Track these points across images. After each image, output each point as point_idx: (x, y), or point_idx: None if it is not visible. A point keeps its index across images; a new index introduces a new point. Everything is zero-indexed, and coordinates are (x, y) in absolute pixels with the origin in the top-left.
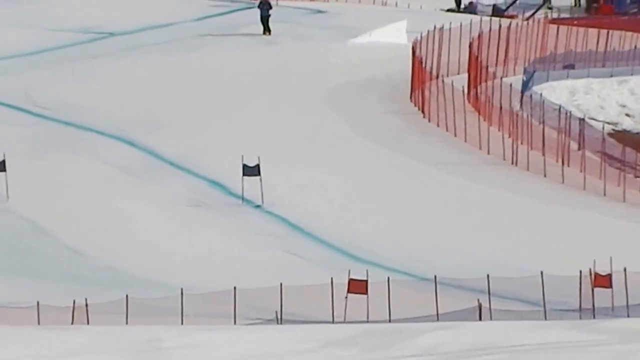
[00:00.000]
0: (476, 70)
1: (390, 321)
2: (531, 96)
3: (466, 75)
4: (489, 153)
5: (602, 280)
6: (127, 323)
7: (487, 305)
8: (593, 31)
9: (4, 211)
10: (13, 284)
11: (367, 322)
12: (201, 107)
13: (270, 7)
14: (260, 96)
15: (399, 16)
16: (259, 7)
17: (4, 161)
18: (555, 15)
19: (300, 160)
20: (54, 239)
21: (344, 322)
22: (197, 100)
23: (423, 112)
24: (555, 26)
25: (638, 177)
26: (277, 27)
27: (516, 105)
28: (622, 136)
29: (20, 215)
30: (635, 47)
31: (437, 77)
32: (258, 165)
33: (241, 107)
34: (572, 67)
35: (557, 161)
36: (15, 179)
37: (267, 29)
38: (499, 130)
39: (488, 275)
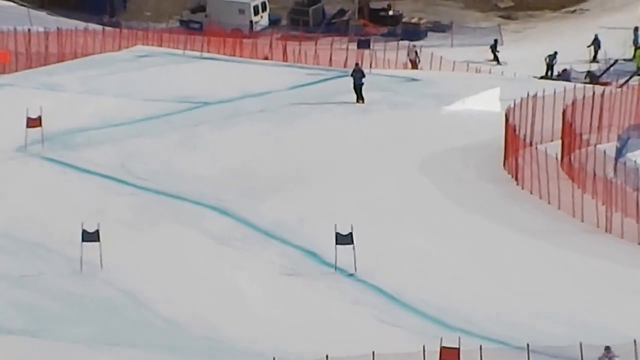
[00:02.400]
0: (570, 137)
1: None
2: (625, 163)
3: (560, 142)
4: (582, 220)
5: None
6: None
7: None
8: None
9: (99, 281)
10: (108, 354)
11: None
12: (295, 175)
13: (364, 75)
14: (354, 164)
15: (492, 84)
16: (352, 75)
17: (97, 231)
18: None
19: (394, 227)
20: (148, 309)
21: None
22: (292, 169)
23: (516, 179)
24: None
25: None
26: (371, 95)
27: (610, 172)
28: None
29: (114, 286)
30: None
31: (531, 144)
32: (351, 234)
33: (335, 175)
34: None
35: None
36: (110, 249)
37: (360, 97)
38: (592, 197)
39: (581, 344)
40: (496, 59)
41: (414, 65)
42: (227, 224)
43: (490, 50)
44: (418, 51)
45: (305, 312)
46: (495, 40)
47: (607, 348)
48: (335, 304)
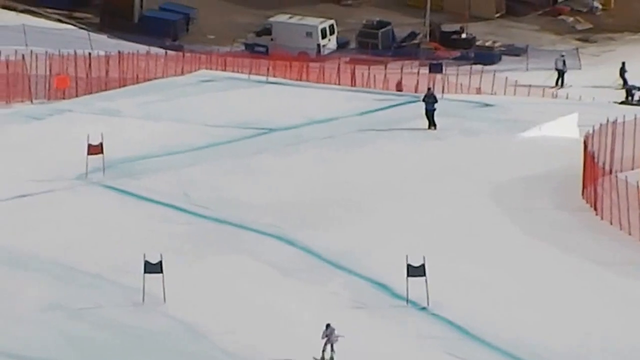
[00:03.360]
0: None
1: None
2: None
3: None
4: None
5: None
6: None
7: None
8: None
9: (160, 314)
10: None
11: None
12: (364, 203)
13: (436, 101)
14: (426, 192)
15: (569, 109)
16: (424, 100)
17: (160, 262)
18: None
19: (468, 258)
20: (209, 342)
21: None
22: (360, 197)
23: (595, 209)
24: None
25: None
26: (443, 121)
27: None
28: None
29: (176, 318)
30: None
31: (611, 172)
32: (423, 265)
33: (405, 203)
34: None
35: None
36: (172, 280)
37: (432, 124)
38: None
39: None
40: (625, 82)
41: (561, 75)
42: (290, 253)
43: (619, 74)
44: (566, 60)
45: (375, 347)
46: (623, 63)
47: (328, 325)
48: (406, 339)
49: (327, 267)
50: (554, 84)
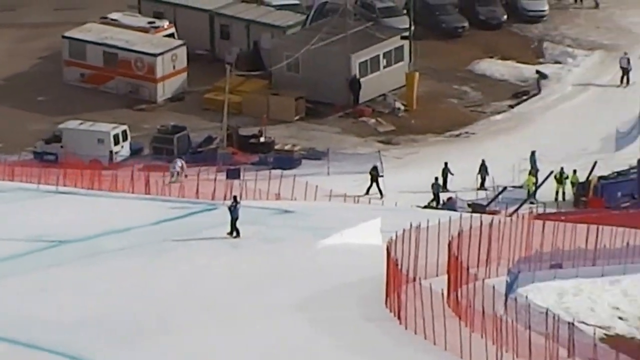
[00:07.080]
0: (456, 271)
1: None
2: (516, 299)
3: (445, 277)
4: None
5: None
6: None
7: None
8: (582, 227)
9: None
10: None
11: None
12: (163, 320)
13: (237, 206)
14: (228, 306)
15: (372, 214)
16: (229, 208)
17: None
18: (540, 210)
19: None
20: None
21: None
22: (159, 312)
23: (399, 318)
24: (540, 222)
25: None
26: (243, 229)
27: (500, 310)
28: (615, 341)
29: None
30: (628, 244)
31: (414, 279)
32: None
33: (207, 319)
34: (559, 266)
35: None
36: None
37: (234, 230)
38: (482, 336)
39: None
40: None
41: (626, 74)
42: None
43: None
44: (630, 59)
45: None
46: (446, 164)
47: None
48: None
49: None
50: (619, 82)
